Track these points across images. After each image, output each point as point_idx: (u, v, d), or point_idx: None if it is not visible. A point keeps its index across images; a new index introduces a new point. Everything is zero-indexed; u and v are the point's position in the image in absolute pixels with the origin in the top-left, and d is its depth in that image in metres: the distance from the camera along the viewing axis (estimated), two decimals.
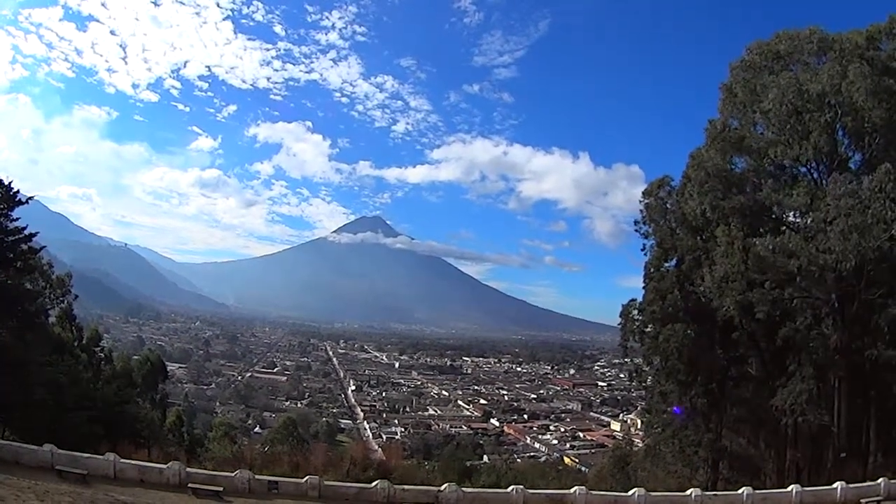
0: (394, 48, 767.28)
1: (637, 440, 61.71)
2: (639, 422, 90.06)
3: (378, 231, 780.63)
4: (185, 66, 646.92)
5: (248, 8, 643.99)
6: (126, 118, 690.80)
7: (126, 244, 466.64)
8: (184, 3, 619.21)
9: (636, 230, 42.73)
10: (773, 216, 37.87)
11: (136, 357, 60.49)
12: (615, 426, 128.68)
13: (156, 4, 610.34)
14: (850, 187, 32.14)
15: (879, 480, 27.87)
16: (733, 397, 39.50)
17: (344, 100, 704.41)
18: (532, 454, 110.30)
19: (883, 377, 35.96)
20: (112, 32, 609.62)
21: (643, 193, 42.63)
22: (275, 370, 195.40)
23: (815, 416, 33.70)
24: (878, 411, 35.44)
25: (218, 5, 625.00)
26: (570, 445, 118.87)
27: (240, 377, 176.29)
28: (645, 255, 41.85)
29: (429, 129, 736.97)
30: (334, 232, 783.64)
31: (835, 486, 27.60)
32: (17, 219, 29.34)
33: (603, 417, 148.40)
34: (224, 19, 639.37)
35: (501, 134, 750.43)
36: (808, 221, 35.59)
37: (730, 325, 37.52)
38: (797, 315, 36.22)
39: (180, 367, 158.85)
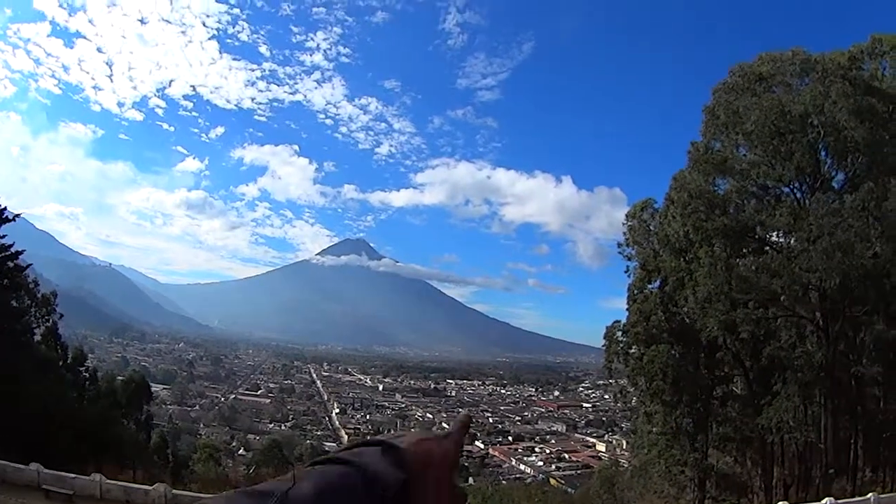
0: (378, 70, 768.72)
1: (623, 461, 61.66)
2: (624, 442, 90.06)
3: (362, 254, 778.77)
4: (170, 86, 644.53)
5: (234, 28, 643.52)
6: (111, 137, 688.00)
7: (111, 264, 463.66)
8: (170, 22, 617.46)
9: (619, 252, 43.01)
10: (757, 236, 38.09)
11: (120, 378, 59.86)
12: (601, 447, 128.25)
13: (143, 22, 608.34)
14: (832, 206, 32.59)
15: (869, 495, 27.99)
16: (719, 416, 39.54)
17: (328, 121, 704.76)
18: (517, 476, 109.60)
19: (869, 393, 36.32)
20: (99, 50, 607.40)
21: (626, 216, 43.04)
22: (259, 392, 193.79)
23: (802, 433, 33.93)
24: (866, 427, 35.59)
25: (204, 25, 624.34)
26: (556, 467, 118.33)
27: (224, 399, 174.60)
28: (628, 276, 42.10)
29: (412, 152, 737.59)
30: (318, 254, 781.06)
31: (823, 502, 27.67)
32: (4, 236, 29.31)
33: (588, 438, 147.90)
34: (209, 39, 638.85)
35: (485, 157, 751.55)
36: (792, 241, 36.06)
37: (714, 344, 37.73)
38: (781, 334, 36.55)
39: (164, 389, 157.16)
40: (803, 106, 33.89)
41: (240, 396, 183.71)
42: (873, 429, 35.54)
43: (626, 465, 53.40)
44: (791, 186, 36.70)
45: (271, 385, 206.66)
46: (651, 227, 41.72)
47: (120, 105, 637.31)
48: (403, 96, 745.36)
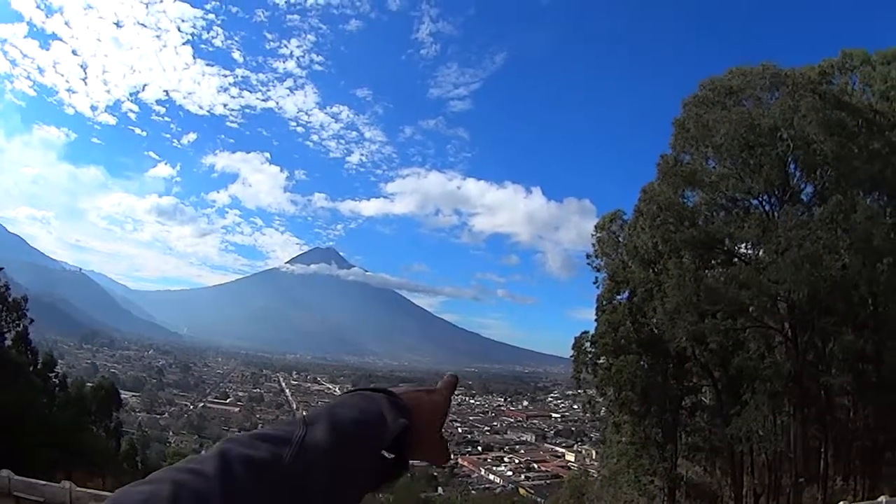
0: (350, 78, 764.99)
1: (592, 471, 61.86)
2: (594, 452, 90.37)
3: (332, 263, 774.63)
4: (143, 90, 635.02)
5: (208, 33, 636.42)
6: (84, 140, 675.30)
7: (81, 269, 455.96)
8: (145, 26, 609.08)
9: (588, 263, 43.12)
10: (725, 248, 38.25)
11: (89, 384, 59.08)
12: (570, 457, 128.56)
13: (118, 26, 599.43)
14: (801, 218, 32.96)
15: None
16: (688, 426, 39.76)
17: (300, 129, 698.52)
18: (487, 486, 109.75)
19: (838, 402, 36.77)
20: (74, 52, 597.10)
21: (595, 227, 43.22)
22: (228, 401, 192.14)
23: (771, 443, 34.27)
24: (835, 436, 35.96)
25: (178, 29, 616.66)
26: (525, 476, 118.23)
27: (193, 407, 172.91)
28: (597, 287, 42.24)
29: (383, 161, 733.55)
30: (287, 263, 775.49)
31: None
32: None
33: (557, 448, 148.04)
34: (184, 44, 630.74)
35: (455, 167, 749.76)
36: (760, 253, 36.34)
37: (683, 355, 37.97)
38: (750, 344, 36.93)
39: (134, 396, 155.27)
40: (773, 119, 34.27)
41: (209, 404, 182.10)
42: (843, 438, 35.95)
43: (595, 475, 53.60)
44: (760, 199, 36.97)
45: (240, 393, 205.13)
46: (620, 239, 41.97)
47: (93, 109, 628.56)
48: (375, 105, 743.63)
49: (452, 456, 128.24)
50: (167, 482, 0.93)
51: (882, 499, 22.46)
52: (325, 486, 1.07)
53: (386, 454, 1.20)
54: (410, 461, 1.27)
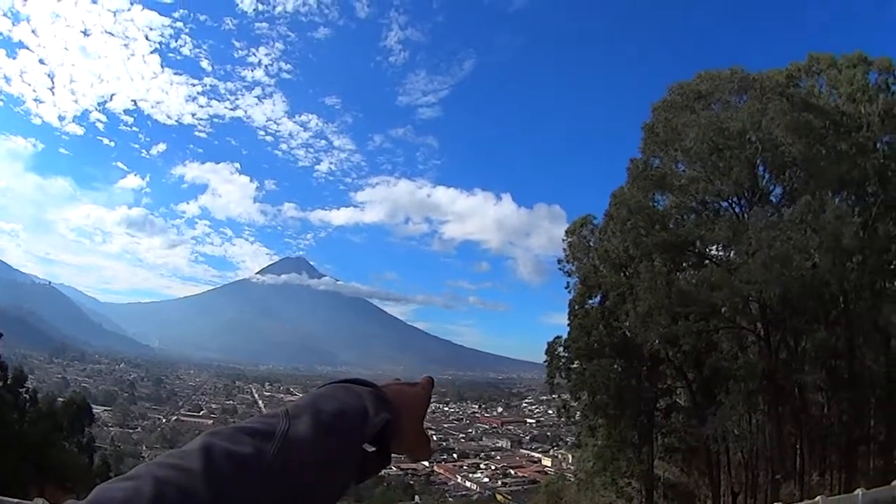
0: (319, 86, 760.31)
1: (569, 475, 62.00)
2: (570, 456, 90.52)
3: (302, 272, 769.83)
4: (111, 99, 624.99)
5: (176, 42, 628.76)
6: (52, 151, 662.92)
7: (50, 282, 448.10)
8: (113, 35, 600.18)
9: (560, 268, 43.34)
10: (696, 251, 38.62)
11: (61, 399, 58.33)
12: (546, 462, 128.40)
13: (86, 34, 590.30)
14: (771, 220, 33.36)
15: (817, 498, 28.49)
16: (663, 427, 40.03)
17: (268, 138, 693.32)
18: (464, 493, 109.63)
19: (812, 399, 37.19)
20: (41, 61, 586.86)
21: (566, 232, 43.51)
22: (201, 413, 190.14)
23: (747, 441, 34.61)
24: (810, 433, 36.35)
25: (147, 38, 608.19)
26: (502, 482, 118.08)
27: (166, 420, 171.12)
28: (569, 292, 42.46)
29: (352, 169, 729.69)
30: (258, 273, 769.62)
31: None
32: None
33: (533, 454, 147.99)
34: (152, 52, 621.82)
35: (425, 175, 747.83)
36: (731, 254, 36.70)
37: (656, 357, 38.31)
38: (723, 345, 37.32)
39: (105, 410, 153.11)
40: (741, 123, 34.51)
41: (182, 417, 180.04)
42: (818, 434, 36.38)
43: (572, 479, 53.71)
44: (730, 201, 37.21)
45: (213, 406, 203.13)
46: (591, 244, 42.27)
47: (61, 119, 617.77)
48: (344, 113, 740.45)
49: (428, 464, 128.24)
50: (150, 478, 0.92)
51: (858, 492, 22.79)
52: (309, 481, 1.08)
53: (368, 447, 1.21)
54: (393, 454, 1.28)
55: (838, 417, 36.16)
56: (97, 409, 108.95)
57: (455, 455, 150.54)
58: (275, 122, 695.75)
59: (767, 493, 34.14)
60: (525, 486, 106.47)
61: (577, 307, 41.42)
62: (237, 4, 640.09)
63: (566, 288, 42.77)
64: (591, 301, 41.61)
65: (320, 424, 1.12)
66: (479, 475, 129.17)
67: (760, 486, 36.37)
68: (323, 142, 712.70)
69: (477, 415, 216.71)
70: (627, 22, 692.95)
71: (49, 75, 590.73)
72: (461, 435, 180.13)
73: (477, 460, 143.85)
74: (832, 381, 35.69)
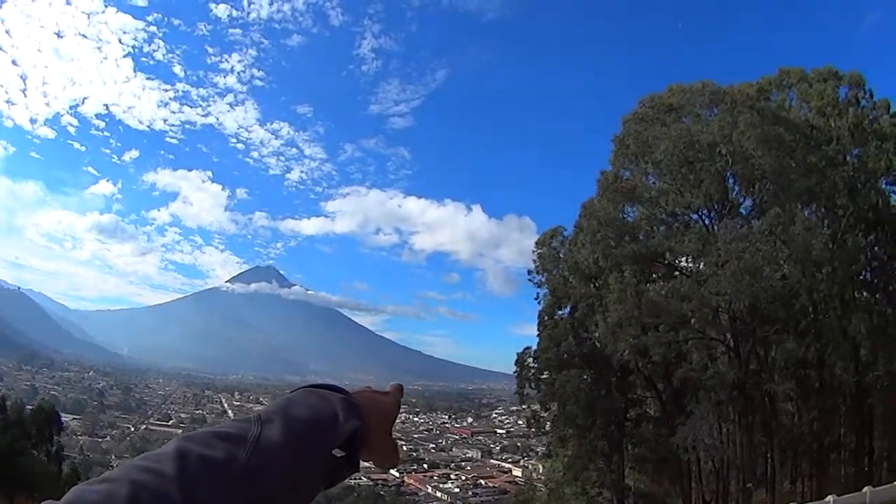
0: (291, 94, 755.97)
1: (540, 485, 62.05)
2: (540, 467, 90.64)
3: (272, 281, 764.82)
4: (83, 103, 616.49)
5: (150, 46, 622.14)
6: (23, 154, 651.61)
7: (19, 287, 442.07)
8: (86, 37, 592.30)
9: (530, 280, 43.62)
10: (666, 262, 38.75)
11: (29, 407, 57.63)
12: (517, 472, 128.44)
13: (59, 36, 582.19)
14: (740, 231, 33.59)
15: None
16: (634, 437, 40.23)
17: (240, 146, 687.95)
18: (434, 503, 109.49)
19: (782, 408, 37.55)
20: (14, 62, 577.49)
21: (536, 244, 43.82)
22: (170, 422, 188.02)
23: (717, 450, 34.83)
24: (781, 441, 36.70)
25: (120, 41, 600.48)
26: (473, 493, 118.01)
27: (135, 429, 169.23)
28: (539, 303, 42.72)
29: (323, 178, 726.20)
30: (228, 281, 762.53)
31: None
32: None
33: (504, 464, 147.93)
34: (125, 56, 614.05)
35: (396, 185, 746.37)
36: (701, 266, 36.89)
37: (626, 368, 38.49)
38: (693, 355, 37.49)
39: (75, 419, 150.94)
40: (712, 135, 34.73)
41: (151, 427, 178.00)
42: (789, 442, 36.77)
43: (542, 489, 53.75)
44: (700, 213, 37.43)
45: (182, 415, 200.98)
46: (561, 255, 42.47)
47: (32, 121, 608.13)
48: (316, 122, 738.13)
49: (398, 474, 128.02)
50: (125, 482, 0.94)
51: (830, 498, 23.00)
52: (279, 486, 1.10)
53: (338, 453, 1.24)
54: (361, 461, 1.31)
55: (809, 426, 36.57)
56: (66, 418, 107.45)
57: (425, 465, 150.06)
58: (246, 130, 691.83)
59: (739, 501, 34.44)
60: (495, 497, 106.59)
61: (546, 318, 41.62)
62: (211, 10, 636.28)
63: (536, 299, 43.06)
64: (560, 312, 41.85)
65: (291, 430, 1.14)
66: (449, 485, 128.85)
67: (732, 494, 36.64)
68: (294, 150, 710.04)
69: (447, 425, 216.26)
70: (599, 35, 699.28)
71: (22, 77, 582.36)
72: (431, 445, 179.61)
73: (447, 471, 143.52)
74: (802, 390, 36.15)
